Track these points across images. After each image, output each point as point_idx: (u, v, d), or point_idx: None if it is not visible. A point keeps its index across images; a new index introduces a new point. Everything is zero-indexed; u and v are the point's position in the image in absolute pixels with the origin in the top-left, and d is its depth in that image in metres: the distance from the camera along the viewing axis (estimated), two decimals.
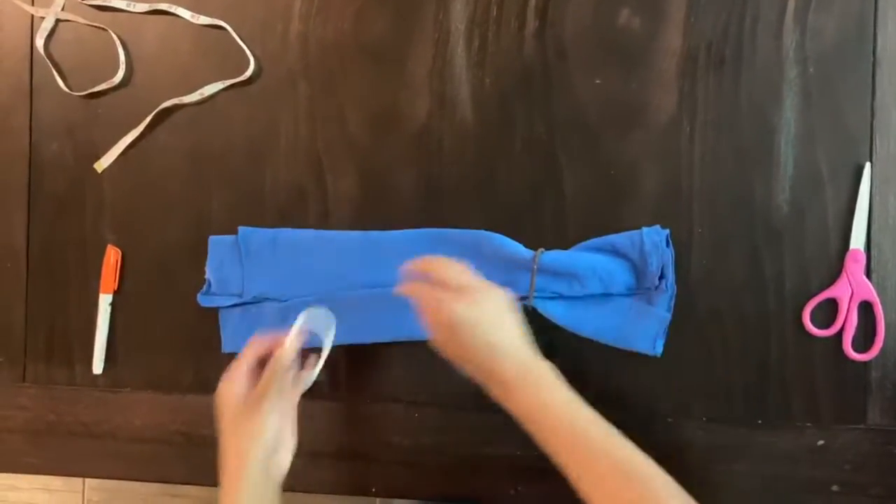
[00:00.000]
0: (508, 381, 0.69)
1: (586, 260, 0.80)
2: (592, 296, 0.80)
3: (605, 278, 0.79)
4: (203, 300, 0.86)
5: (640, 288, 0.80)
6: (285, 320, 0.78)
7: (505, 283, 0.79)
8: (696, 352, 0.81)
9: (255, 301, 0.85)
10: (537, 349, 0.71)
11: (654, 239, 0.79)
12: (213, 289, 0.86)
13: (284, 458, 0.74)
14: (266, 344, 0.76)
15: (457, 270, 0.72)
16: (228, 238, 0.86)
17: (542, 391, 0.68)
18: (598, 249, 0.81)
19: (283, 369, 0.74)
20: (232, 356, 0.78)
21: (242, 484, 0.71)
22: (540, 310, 0.80)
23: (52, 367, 0.91)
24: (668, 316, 0.79)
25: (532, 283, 0.80)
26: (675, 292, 0.80)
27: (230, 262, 0.86)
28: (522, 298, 0.80)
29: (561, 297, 0.80)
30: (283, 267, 0.85)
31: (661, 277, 0.79)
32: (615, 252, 0.80)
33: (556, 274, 0.80)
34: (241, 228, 0.86)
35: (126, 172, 0.89)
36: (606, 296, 0.80)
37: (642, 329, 0.80)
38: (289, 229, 0.86)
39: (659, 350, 0.80)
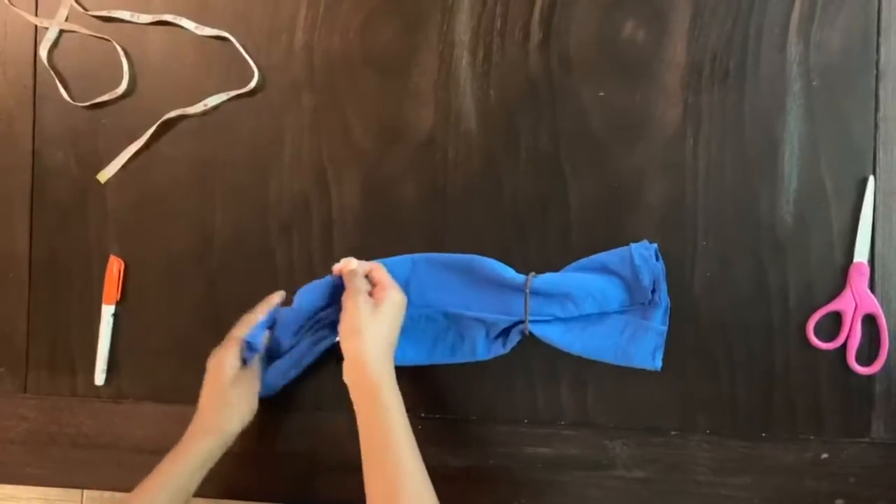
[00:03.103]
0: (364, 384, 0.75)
1: (578, 280, 0.80)
2: (587, 316, 0.80)
3: (598, 297, 0.79)
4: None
5: (633, 304, 0.80)
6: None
7: (499, 307, 0.81)
8: (699, 364, 0.81)
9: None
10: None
11: (642, 253, 0.79)
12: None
13: (238, 429, 0.81)
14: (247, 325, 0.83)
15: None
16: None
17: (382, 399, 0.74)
18: (589, 269, 0.81)
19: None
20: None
21: (204, 443, 0.78)
22: (536, 334, 0.80)
23: (54, 377, 0.90)
24: (665, 329, 0.79)
25: (526, 308, 0.80)
26: (668, 305, 0.80)
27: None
28: (518, 324, 0.80)
29: (556, 319, 0.80)
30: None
31: (654, 291, 0.79)
32: (606, 270, 0.80)
33: (549, 296, 0.80)
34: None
35: (129, 183, 0.89)
36: (601, 315, 0.80)
37: (640, 345, 0.79)
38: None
39: (658, 364, 0.79)
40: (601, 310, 0.80)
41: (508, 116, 0.84)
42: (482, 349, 0.82)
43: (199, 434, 0.79)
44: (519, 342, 0.81)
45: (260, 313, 0.82)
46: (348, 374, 0.76)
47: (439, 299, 0.83)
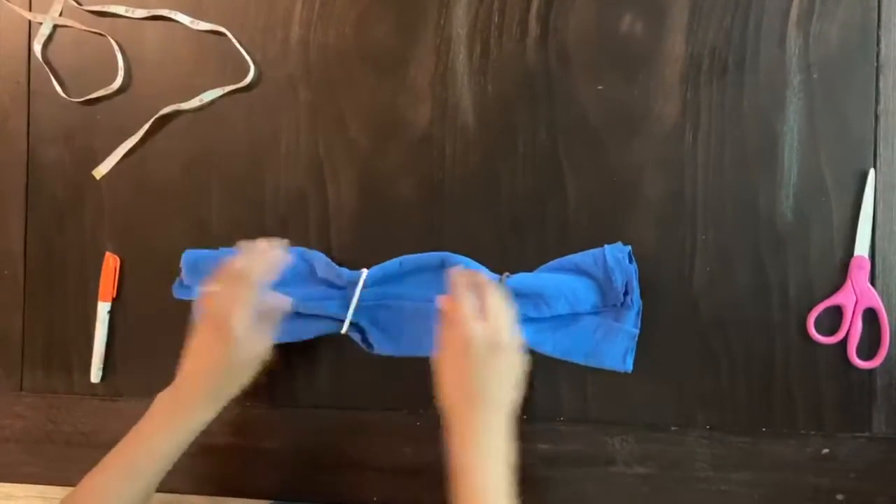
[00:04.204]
0: (468, 432, 0.70)
1: (551, 281, 0.80)
2: (559, 316, 0.80)
3: (570, 298, 0.79)
4: (178, 292, 0.85)
5: (605, 305, 0.80)
6: None
7: None
8: (699, 359, 0.81)
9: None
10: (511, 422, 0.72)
11: (616, 255, 0.79)
12: (187, 281, 0.84)
13: (248, 376, 0.73)
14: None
15: (501, 308, 0.73)
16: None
17: (486, 462, 0.68)
18: (563, 269, 0.81)
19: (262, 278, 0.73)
20: None
21: (203, 414, 0.71)
22: None
23: (50, 375, 0.90)
24: (636, 332, 0.79)
25: None
26: (641, 308, 0.79)
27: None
28: None
29: (528, 319, 0.80)
30: None
31: (626, 293, 0.79)
32: (579, 271, 0.80)
33: (522, 296, 0.79)
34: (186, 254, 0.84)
35: (125, 179, 0.89)
36: (573, 315, 0.80)
37: (611, 346, 0.79)
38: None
39: (629, 366, 0.79)
40: (573, 311, 0.80)
41: (506, 112, 0.84)
42: None
43: (198, 401, 0.71)
44: None
45: (281, 256, 0.75)
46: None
47: (412, 294, 0.82)
